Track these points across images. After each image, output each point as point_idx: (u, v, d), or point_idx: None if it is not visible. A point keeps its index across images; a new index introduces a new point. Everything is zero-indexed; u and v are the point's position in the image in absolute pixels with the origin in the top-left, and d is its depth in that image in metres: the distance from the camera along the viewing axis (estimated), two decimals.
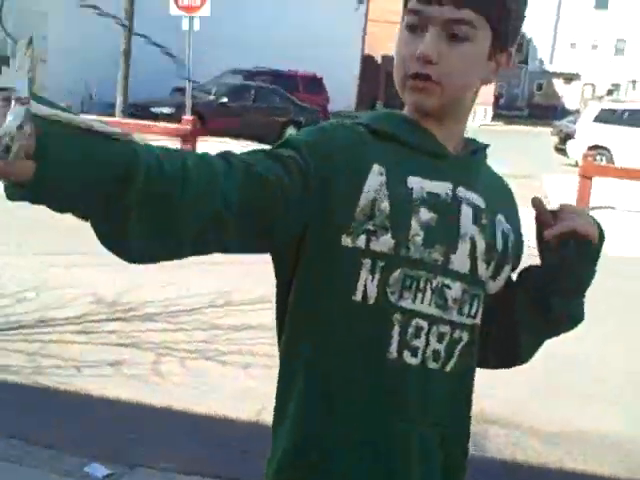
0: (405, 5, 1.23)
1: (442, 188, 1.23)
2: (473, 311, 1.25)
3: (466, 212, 1.24)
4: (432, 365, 1.22)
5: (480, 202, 1.26)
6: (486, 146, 1.37)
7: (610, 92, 53.85)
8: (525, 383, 4.55)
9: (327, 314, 1.20)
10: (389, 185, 1.18)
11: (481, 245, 1.24)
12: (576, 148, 18.43)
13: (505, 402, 4.46)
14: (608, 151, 18.70)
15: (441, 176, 1.24)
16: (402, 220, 1.18)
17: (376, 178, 1.18)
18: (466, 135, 1.33)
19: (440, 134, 1.26)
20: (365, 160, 1.19)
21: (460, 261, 1.22)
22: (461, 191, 1.25)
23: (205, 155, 1.09)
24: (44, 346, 4.66)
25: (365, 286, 1.17)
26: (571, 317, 1.37)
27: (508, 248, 1.31)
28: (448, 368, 1.24)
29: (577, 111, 29.95)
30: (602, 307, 6.85)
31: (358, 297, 1.18)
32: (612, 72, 56.40)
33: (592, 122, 19.47)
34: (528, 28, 62.39)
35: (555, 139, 23.17)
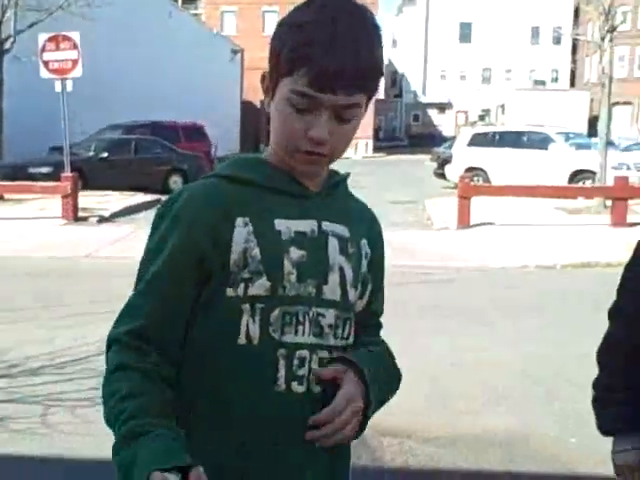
0: (281, 74, 1.26)
1: (307, 225, 1.31)
2: (346, 333, 1.35)
3: (333, 244, 1.33)
4: (316, 389, 1.30)
5: (345, 232, 1.35)
6: (347, 176, 1.46)
7: (482, 117, 56.27)
8: (417, 393, 4.66)
9: (217, 361, 1.27)
10: (256, 233, 1.27)
11: (349, 273, 1.34)
12: (454, 171, 19.14)
13: (399, 413, 4.55)
14: (484, 172, 19.52)
15: (305, 214, 1.32)
16: (274, 262, 1.27)
17: (242, 230, 1.26)
18: (336, 168, 1.42)
19: (305, 175, 1.34)
20: (227, 219, 1.27)
21: (332, 290, 1.31)
22: (326, 225, 1.33)
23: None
24: None
25: (247, 329, 1.26)
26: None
27: (371, 269, 1.41)
28: (330, 390, 1.31)
29: (453, 137, 31.09)
30: (488, 315, 7.14)
31: (243, 340, 1.26)
32: (481, 99, 58.98)
33: (466, 146, 20.31)
34: (400, 63, 64.66)
35: (434, 165, 24.01)
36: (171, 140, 20.31)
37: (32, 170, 16.72)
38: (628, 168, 17.88)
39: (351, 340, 1.36)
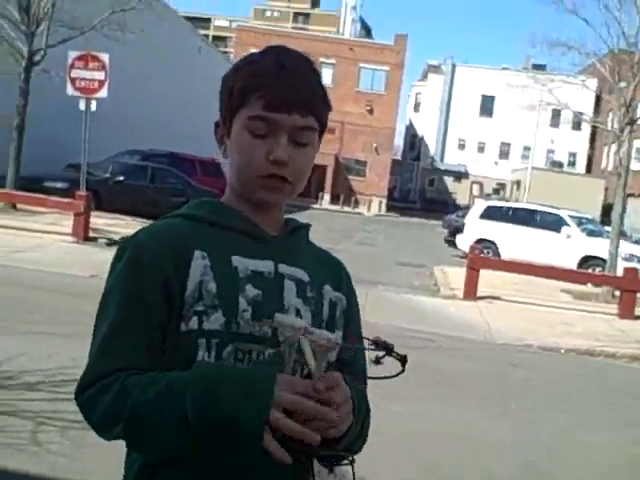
0: (235, 109, 1.33)
1: (264, 266, 1.32)
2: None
3: (289, 286, 1.33)
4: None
5: (303, 276, 1.36)
6: (307, 225, 1.48)
7: (496, 191, 56.59)
8: (410, 461, 4.55)
9: None
10: (213, 267, 1.28)
11: (307, 316, 1.32)
12: (464, 241, 19.14)
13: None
14: (494, 244, 19.52)
15: (262, 255, 1.33)
16: (230, 297, 1.27)
17: (199, 262, 1.28)
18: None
19: (260, 219, 1.37)
20: (185, 251, 1.28)
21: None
22: (283, 267, 1.34)
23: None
24: None
25: None
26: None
27: (335, 315, 1.39)
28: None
29: (466, 207, 31.25)
30: (489, 391, 7.05)
31: None
32: (498, 172, 59.42)
33: (479, 218, 20.35)
34: (421, 127, 65.31)
35: (445, 231, 24.05)
36: (187, 173, 20.42)
37: (48, 184, 16.78)
38: (639, 261, 17.84)
39: None
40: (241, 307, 1.26)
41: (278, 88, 1.28)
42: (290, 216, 1.46)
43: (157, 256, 1.27)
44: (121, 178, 18.40)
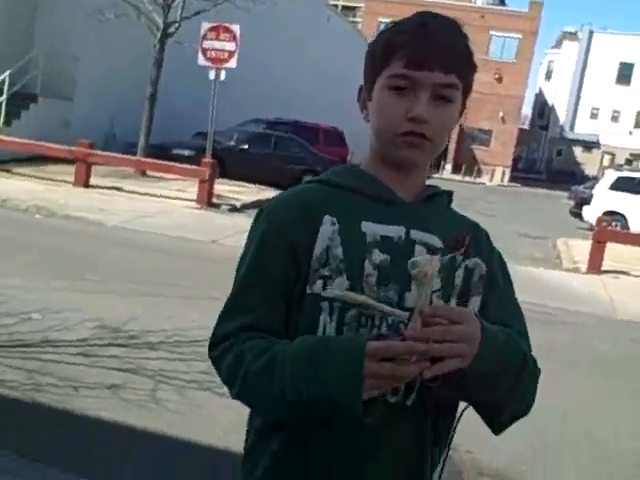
0: (378, 70, 1.33)
1: (395, 231, 1.32)
2: None
3: (420, 252, 1.31)
4: (392, 399, 1.27)
5: (437, 242, 1.33)
6: (448, 191, 1.46)
7: (629, 162, 53.97)
8: (521, 440, 4.49)
9: None
10: (342, 232, 1.29)
11: (436, 282, 1.28)
12: (592, 213, 18.45)
13: (502, 455, 4.41)
14: (624, 217, 18.72)
15: (394, 220, 1.33)
16: (355, 262, 1.27)
17: (328, 228, 1.29)
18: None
19: (399, 183, 1.36)
20: (316, 215, 1.31)
21: (415, 299, 1.26)
22: (415, 233, 1.33)
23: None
24: (44, 365, 4.69)
25: (324, 327, 1.26)
26: (508, 412, 1.34)
27: (472, 281, 1.36)
28: (409, 402, 1.28)
29: (595, 178, 30.01)
30: (614, 371, 6.82)
31: None
32: (632, 142, 56.64)
33: (609, 189, 19.54)
34: (551, 96, 63.02)
35: (571, 203, 23.24)
36: (310, 141, 20.61)
37: (175, 152, 17.37)
38: None
39: None
40: (366, 271, 1.27)
41: (420, 46, 1.27)
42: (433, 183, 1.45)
43: (286, 223, 1.31)
44: (245, 146, 18.78)
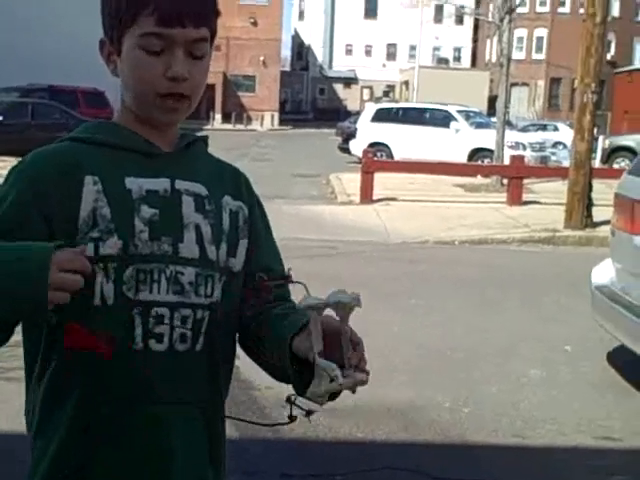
0: (125, 27, 1.27)
1: (160, 184, 1.31)
2: (209, 291, 1.32)
3: (187, 202, 1.32)
4: (181, 347, 1.29)
5: (202, 190, 1.35)
6: (203, 137, 1.46)
7: (386, 93, 56.98)
8: None
9: (73, 323, 1.25)
10: (106, 192, 1.26)
11: (207, 230, 1.32)
12: (358, 146, 19.34)
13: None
14: (387, 147, 19.82)
15: (157, 173, 1.31)
16: (125, 221, 1.25)
17: (91, 188, 1.25)
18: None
19: (155, 137, 1.34)
20: (76, 177, 1.26)
21: (188, 248, 1.29)
22: (179, 183, 1.32)
23: None
24: None
25: (102, 289, 1.24)
26: None
27: (238, 225, 1.39)
28: (198, 347, 1.31)
29: (358, 112, 31.37)
30: (388, 289, 7.32)
31: (97, 301, 1.24)
32: (386, 74, 59.64)
33: (370, 122, 20.55)
34: (307, 36, 64.48)
35: (339, 139, 24.20)
36: (70, 106, 19.71)
37: None
38: (524, 148, 18.51)
39: (215, 298, 1.32)
40: (137, 229, 1.25)
41: (168, 1, 1.23)
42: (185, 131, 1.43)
43: (41, 189, 1.25)
44: (0, 118, 17.63)
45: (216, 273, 1.33)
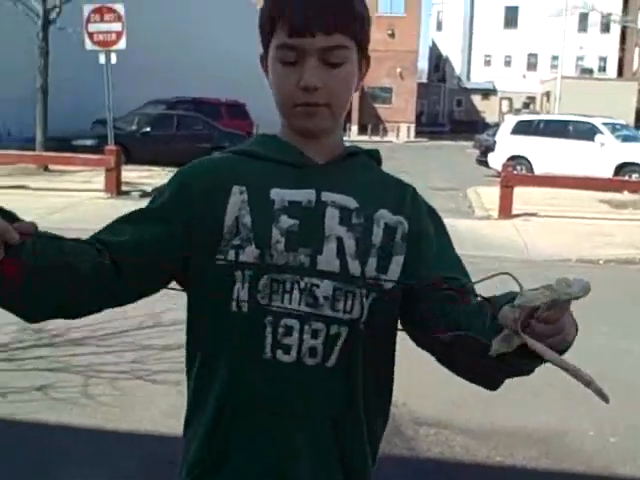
0: (267, 40, 1.32)
1: (304, 195, 1.30)
2: (348, 307, 1.27)
3: (331, 214, 1.30)
4: (310, 361, 1.27)
5: (350, 202, 1.32)
6: (369, 151, 1.44)
7: (526, 105, 55.50)
8: (456, 384, 4.63)
9: (210, 328, 1.30)
10: (250, 201, 1.29)
11: (350, 243, 1.29)
12: (496, 159, 18.93)
13: (436, 403, 4.53)
14: (527, 161, 19.28)
15: (304, 184, 1.31)
16: (263, 230, 1.27)
17: (237, 197, 1.29)
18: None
19: (310, 147, 1.35)
20: (224, 187, 1.30)
21: (327, 261, 1.27)
22: (326, 195, 1.31)
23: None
24: None
25: (238, 296, 1.26)
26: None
27: (394, 240, 1.33)
28: (330, 363, 1.28)
29: (496, 125, 30.75)
30: None
31: (233, 307, 1.27)
32: (526, 85, 58.19)
33: (510, 134, 20.06)
34: (444, 47, 63.98)
35: (476, 152, 23.77)
36: (213, 117, 20.40)
37: (77, 142, 16.92)
38: None
39: (356, 315, 1.28)
40: (274, 239, 1.26)
41: (298, 11, 1.25)
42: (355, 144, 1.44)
43: (197, 180, 1.33)
44: (148, 129, 18.48)
45: (359, 289, 1.29)
